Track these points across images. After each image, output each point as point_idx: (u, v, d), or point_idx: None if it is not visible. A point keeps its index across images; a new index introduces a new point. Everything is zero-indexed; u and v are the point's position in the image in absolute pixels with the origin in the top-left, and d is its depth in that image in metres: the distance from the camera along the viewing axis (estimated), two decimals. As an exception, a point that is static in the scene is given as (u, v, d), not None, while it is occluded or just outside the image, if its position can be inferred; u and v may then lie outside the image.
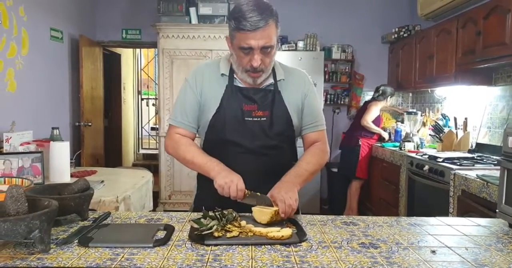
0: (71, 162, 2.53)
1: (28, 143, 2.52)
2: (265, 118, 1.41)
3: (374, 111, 4.24)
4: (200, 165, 1.38)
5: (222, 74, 1.44)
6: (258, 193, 1.29)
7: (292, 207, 1.24)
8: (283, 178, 1.36)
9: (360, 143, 4.26)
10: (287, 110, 1.44)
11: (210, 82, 1.45)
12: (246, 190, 1.28)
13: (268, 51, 1.32)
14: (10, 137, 2.49)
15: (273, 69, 1.45)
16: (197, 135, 1.50)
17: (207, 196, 1.41)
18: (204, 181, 1.42)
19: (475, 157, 3.03)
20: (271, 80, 1.44)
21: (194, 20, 4.41)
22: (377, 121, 4.29)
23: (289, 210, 1.24)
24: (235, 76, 1.43)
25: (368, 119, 4.21)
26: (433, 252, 1.04)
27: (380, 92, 4.26)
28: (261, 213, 1.23)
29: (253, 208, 1.25)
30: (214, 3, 4.39)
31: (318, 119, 1.52)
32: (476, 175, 2.40)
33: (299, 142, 1.57)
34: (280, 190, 1.28)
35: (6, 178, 1.46)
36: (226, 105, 1.40)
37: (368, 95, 4.91)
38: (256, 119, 1.41)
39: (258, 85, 1.42)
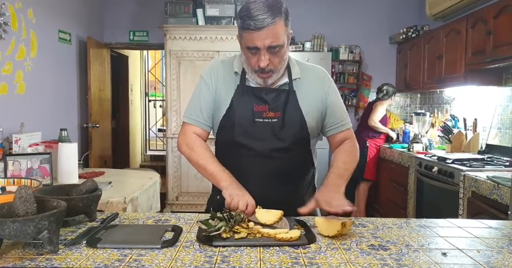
0: (79, 163, 2.54)
1: (37, 145, 2.53)
2: (276, 120, 1.35)
3: (380, 111, 4.23)
4: (211, 173, 1.35)
5: (236, 73, 1.40)
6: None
7: (342, 208, 1.18)
8: (325, 181, 1.32)
9: (367, 144, 4.24)
10: (301, 111, 1.36)
11: (224, 80, 1.41)
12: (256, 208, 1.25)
13: (276, 50, 1.26)
14: (19, 139, 2.51)
15: (289, 67, 1.39)
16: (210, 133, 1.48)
17: (221, 198, 1.36)
18: None
19: (485, 158, 2.99)
20: (285, 79, 1.38)
21: (201, 21, 4.42)
22: (383, 121, 4.27)
23: (340, 209, 1.18)
24: (247, 75, 1.37)
25: (375, 119, 4.19)
26: (444, 254, 1.02)
27: (385, 91, 4.24)
28: (267, 213, 1.22)
29: (256, 210, 1.24)
30: (221, 5, 4.39)
31: (343, 118, 1.45)
32: (487, 176, 2.37)
33: (318, 144, 1.50)
34: (324, 194, 1.26)
35: (15, 179, 1.46)
36: (236, 106, 1.36)
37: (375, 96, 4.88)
38: (267, 120, 1.35)
39: (270, 85, 1.36)
